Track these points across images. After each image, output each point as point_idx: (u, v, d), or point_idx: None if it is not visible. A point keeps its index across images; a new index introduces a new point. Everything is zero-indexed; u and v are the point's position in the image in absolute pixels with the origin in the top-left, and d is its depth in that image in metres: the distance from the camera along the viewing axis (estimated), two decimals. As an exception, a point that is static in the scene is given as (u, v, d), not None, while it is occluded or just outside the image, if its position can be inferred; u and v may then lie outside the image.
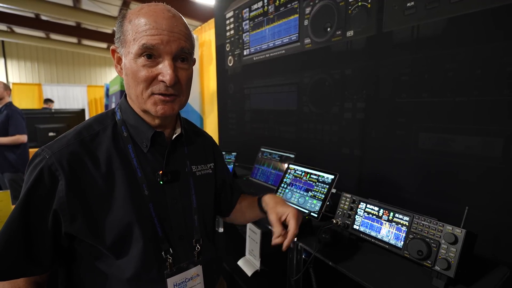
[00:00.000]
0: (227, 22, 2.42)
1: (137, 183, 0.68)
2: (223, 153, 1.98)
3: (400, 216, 0.86)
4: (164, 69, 0.62)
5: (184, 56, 0.66)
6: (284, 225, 0.77)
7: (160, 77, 0.63)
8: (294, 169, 1.42)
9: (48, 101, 6.48)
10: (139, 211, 0.66)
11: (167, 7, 0.65)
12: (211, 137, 0.98)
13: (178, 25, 0.64)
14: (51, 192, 0.60)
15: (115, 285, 0.66)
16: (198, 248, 0.76)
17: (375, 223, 0.92)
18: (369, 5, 1.30)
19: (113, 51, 0.69)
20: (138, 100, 0.66)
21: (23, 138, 2.89)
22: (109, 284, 0.66)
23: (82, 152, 0.64)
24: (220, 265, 0.97)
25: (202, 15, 5.12)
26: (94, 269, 0.66)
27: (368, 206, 0.96)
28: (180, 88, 0.67)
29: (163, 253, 0.69)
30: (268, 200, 0.87)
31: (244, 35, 2.22)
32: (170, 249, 0.71)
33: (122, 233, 0.64)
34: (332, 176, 1.23)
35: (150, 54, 0.62)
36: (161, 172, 0.71)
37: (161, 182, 0.72)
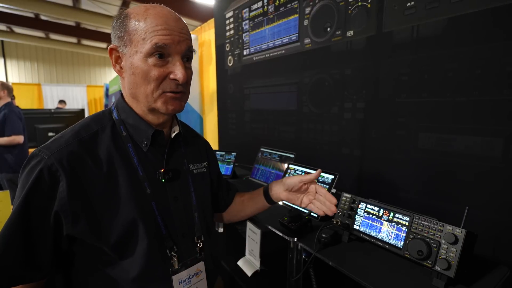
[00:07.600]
0: (227, 22, 2.42)
1: (139, 181, 0.68)
2: (223, 153, 2.00)
3: (400, 216, 0.86)
4: (177, 68, 0.65)
5: (189, 55, 0.69)
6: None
7: (172, 76, 0.65)
8: (294, 169, 1.42)
9: (62, 102, 7.48)
10: (142, 209, 0.66)
11: (171, 10, 0.69)
12: (204, 138, 1.00)
13: (184, 27, 0.68)
14: (52, 194, 0.59)
15: (119, 286, 0.65)
16: (200, 244, 0.77)
17: (375, 223, 0.92)
18: (369, 5, 1.30)
19: (112, 50, 0.68)
20: (148, 99, 0.66)
21: (19, 138, 2.86)
22: (112, 286, 0.65)
23: (82, 151, 0.63)
24: (217, 262, 0.98)
25: (202, 15, 5.12)
26: (96, 272, 0.65)
27: (368, 206, 0.95)
28: (186, 85, 0.70)
29: (167, 250, 0.70)
30: (276, 182, 0.94)
31: (244, 35, 2.22)
32: (174, 246, 0.71)
33: (126, 231, 0.64)
34: (332, 176, 1.23)
35: (161, 53, 0.64)
36: (162, 170, 0.72)
37: (163, 180, 0.72)
